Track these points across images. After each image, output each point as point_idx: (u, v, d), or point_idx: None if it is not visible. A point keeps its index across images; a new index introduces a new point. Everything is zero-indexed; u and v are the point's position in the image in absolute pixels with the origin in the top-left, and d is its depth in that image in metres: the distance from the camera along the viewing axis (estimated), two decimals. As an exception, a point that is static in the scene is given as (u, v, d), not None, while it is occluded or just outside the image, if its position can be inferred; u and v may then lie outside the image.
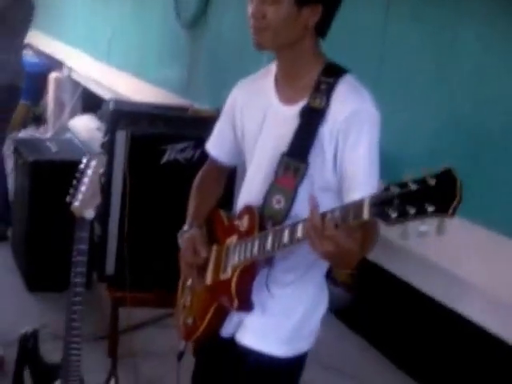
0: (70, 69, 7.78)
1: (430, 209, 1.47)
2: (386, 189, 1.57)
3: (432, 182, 1.48)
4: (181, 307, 2.34)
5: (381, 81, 3.43)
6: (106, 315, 3.67)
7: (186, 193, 3.34)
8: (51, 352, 2.76)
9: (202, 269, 2.23)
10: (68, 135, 5.39)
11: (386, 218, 1.56)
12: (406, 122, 3.36)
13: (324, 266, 2.14)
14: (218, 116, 3.55)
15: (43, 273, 4.43)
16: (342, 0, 2.04)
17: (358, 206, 1.65)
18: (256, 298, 2.08)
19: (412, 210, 1.50)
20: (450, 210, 1.46)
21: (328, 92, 2.00)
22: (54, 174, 4.35)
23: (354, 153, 1.96)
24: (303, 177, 1.99)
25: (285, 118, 2.06)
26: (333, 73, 2.04)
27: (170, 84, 5.77)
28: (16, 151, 5.01)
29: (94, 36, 7.76)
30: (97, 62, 7.45)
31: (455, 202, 1.46)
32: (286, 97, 2.09)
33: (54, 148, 4.78)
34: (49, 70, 8.36)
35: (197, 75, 5.53)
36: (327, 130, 1.98)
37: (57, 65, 8.34)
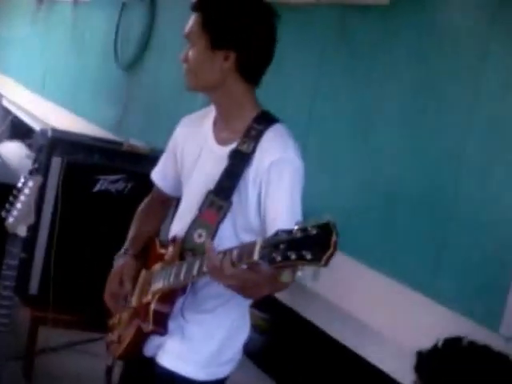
0: (1, 95, 7.81)
1: (308, 256, 1.62)
2: (275, 234, 1.71)
3: (313, 231, 1.62)
4: (110, 324, 2.44)
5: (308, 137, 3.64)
6: (23, 336, 3.69)
7: (115, 222, 3.48)
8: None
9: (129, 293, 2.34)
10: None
11: (271, 261, 1.69)
12: (328, 179, 3.57)
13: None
14: (151, 153, 3.74)
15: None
16: (261, 49, 2.17)
17: (251, 246, 1.78)
18: (175, 323, 2.18)
19: (293, 256, 1.64)
20: (323, 260, 1.61)
21: (256, 138, 2.12)
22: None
23: (274, 199, 2.08)
24: (225, 214, 2.10)
25: (217, 158, 2.18)
26: (264, 121, 2.17)
27: (103, 121, 5.87)
28: None
29: (29, 67, 7.81)
30: (30, 92, 7.49)
31: (328, 253, 1.60)
32: (221, 137, 2.22)
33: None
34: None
35: (131, 115, 5.66)
36: (252, 175, 2.11)
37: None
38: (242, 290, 1.97)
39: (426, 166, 3.19)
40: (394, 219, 3.25)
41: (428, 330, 2.84)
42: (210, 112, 2.29)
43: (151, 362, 2.26)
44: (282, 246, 1.66)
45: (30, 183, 2.74)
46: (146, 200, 2.54)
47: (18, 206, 2.70)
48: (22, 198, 2.71)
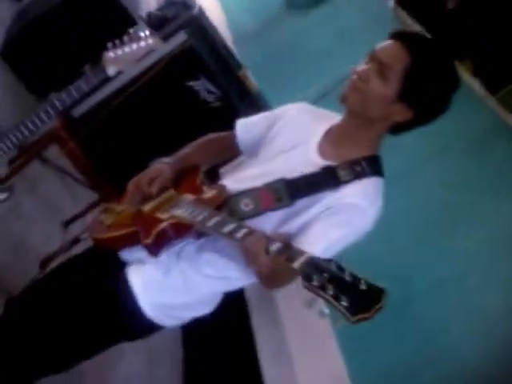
0: None
1: (344, 303, 1.51)
2: (329, 260, 1.61)
3: (363, 286, 1.52)
4: (109, 207, 2.39)
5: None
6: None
7: (179, 124, 3.43)
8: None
9: (148, 195, 2.27)
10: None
11: (307, 280, 1.59)
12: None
13: (235, 285, 2.24)
14: (256, 96, 3.69)
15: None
16: (432, 119, 2.13)
17: (297, 253, 1.68)
18: (168, 257, 2.15)
19: (330, 291, 1.54)
20: (356, 318, 1.50)
21: (356, 175, 2.08)
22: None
23: (328, 229, 2.02)
24: (280, 208, 2.07)
25: (309, 162, 2.14)
26: (373, 166, 2.12)
27: (237, 31, 5.79)
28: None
29: None
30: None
31: (364, 315, 1.50)
32: (324, 149, 2.17)
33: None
34: None
35: (262, 51, 5.56)
36: (328, 199, 2.06)
37: None
38: (249, 260, 1.88)
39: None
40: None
41: None
42: (331, 120, 2.24)
43: (120, 264, 2.22)
44: (326, 275, 1.57)
45: (151, 40, 2.68)
46: (213, 135, 2.47)
47: (127, 49, 2.64)
48: (134, 46, 2.66)
